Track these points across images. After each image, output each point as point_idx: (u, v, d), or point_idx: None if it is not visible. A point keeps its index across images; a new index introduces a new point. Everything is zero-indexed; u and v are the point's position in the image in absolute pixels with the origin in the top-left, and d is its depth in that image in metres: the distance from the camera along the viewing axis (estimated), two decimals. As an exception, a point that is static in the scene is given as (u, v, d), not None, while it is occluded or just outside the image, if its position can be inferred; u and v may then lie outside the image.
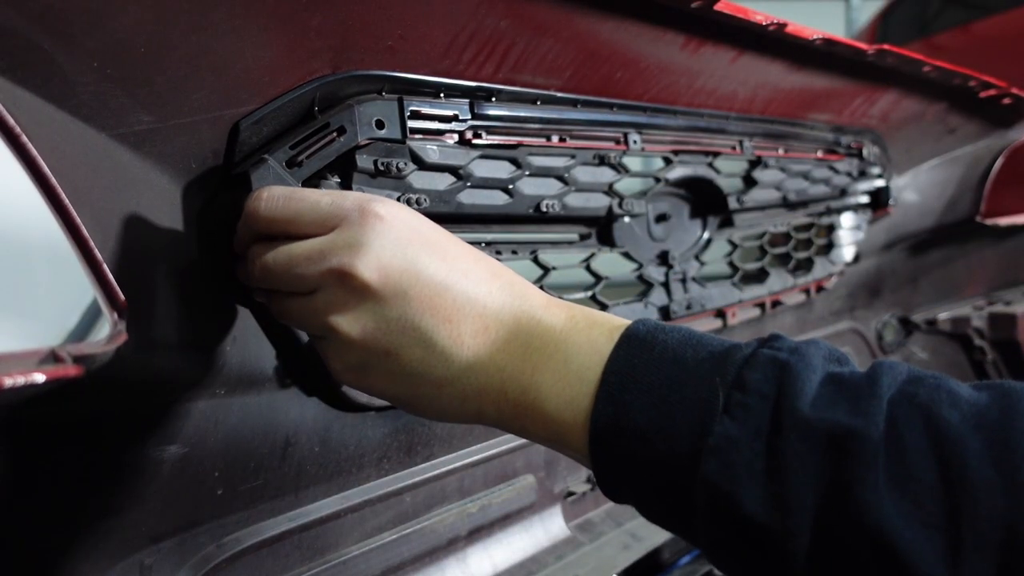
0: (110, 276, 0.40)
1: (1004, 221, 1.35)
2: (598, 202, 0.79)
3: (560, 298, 0.51)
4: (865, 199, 1.19)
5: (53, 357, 0.33)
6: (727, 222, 0.99)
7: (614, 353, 0.40)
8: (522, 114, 0.69)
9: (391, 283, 0.41)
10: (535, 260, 0.77)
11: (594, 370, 0.40)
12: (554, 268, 0.78)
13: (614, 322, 0.43)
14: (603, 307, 0.82)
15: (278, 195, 0.44)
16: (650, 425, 0.38)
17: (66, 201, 0.39)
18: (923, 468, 0.34)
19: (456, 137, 0.65)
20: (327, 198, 0.43)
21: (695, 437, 0.37)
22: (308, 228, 0.43)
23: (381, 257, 0.41)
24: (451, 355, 0.41)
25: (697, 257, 0.94)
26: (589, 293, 0.82)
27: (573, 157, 0.75)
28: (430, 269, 0.41)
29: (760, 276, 1.04)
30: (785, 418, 0.36)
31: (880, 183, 1.19)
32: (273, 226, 0.44)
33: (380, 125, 0.58)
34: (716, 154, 0.91)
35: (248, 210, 0.45)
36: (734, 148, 0.94)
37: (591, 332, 0.41)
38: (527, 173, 0.71)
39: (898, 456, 0.34)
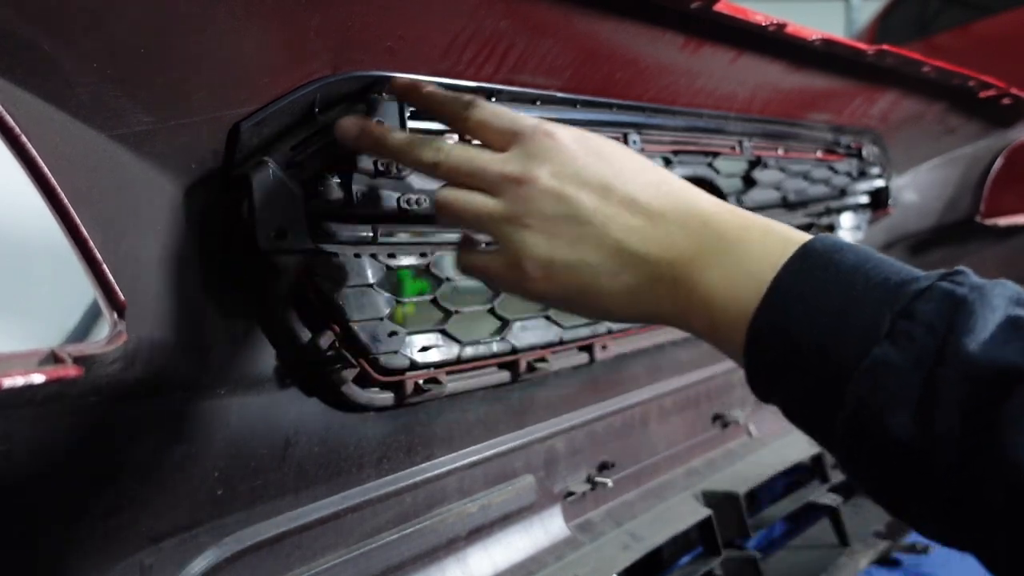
0: (110, 276, 0.41)
1: (1004, 221, 1.35)
2: (598, 202, 0.79)
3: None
4: (865, 199, 1.19)
5: (53, 357, 0.33)
6: (727, 222, 0.98)
7: (788, 264, 0.41)
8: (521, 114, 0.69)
9: (566, 186, 0.46)
10: (535, 260, 0.77)
11: (765, 274, 0.41)
12: (554, 268, 0.78)
13: (789, 233, 0.43)
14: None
15: (481, 103, 0.51)
16: (808, 339, 0.39)
17: (66, 201, 0.39)
18: None
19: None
20: (508, 116, 0.50)
21: (852, 356, 0.37)
22: (491, 136, 0.49)
23: (556, 165, 0.46)
24: (623, 246, 0.44)
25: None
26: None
27: (573, 157, 0.75)
28: (598, 174, 0.46)
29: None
30: (949, 355, 0.35)
31: (880, 183, 1.19)
32: (465, 129, 0.51)
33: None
34: (716, 154, 0.91)
35: (464, 109, 0.51)
36: (733, 148, 0.93)
37: (765, 239, 0.43)
38: (527, 173, 0.71)
39: None
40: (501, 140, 0.49)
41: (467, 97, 0.51)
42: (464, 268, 0.53)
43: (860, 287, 0.39)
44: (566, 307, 0.49)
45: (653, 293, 0.45)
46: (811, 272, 0.40)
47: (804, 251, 0.41)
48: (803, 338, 0.39)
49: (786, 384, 0.41)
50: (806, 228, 1.11)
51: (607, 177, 0.46)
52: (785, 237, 0.43)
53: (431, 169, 0.50)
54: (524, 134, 0.48)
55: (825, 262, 0.40)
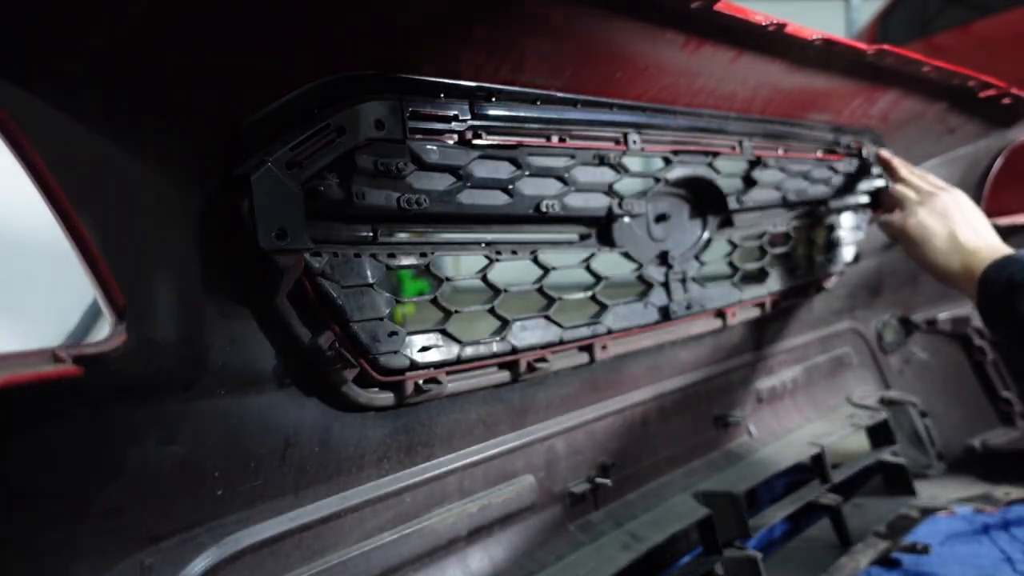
0: (110, 276, 0.41)
1: (1004, 221, 1.35)
2: (598, 202, 0.79)
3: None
4: (865, 199, 1.19)
5: (53, 357, 0.33)
6: (727, 222, 0.99)
7: (1013, 254, 0.88)
8: (522, 114, 0.69)
9: (949, 204, 0.98)
10: (535, 260, 0.77)
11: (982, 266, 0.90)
12: (554, 268, 0.78)
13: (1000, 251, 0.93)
14: (603, 307, 0.82)
15: (916, 172, 1.08)
16: (1008, 271, 0.84)
17: (66, 201, 0.39)
18: None
19: (456, 137, 0.65)
20: (939, 180, 1.05)
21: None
22: (928, 182, 1.04)
23: (950, 196, 1.00)
24: (956, 234, 0.95)
25: (697, 257, 0.94)
26: (589, 293, 0.82)
27: (573, 157, 0.75)
28: (966, 210, 0.99)
29: (760, 276, 1.04)
30: None
31: (880, 183, 1.19)
32: (914, 176, 1.07)
33: (380, 125, 0.58)
34: (716, 154, 0.91)
35: (912, 171, 1.08)
36: (734, 148, 0.94)
37: (1018, 252, 0.88)
38: (527, 173, 0.71)
39: None
40: (929, 184, 1.03)
41: (920, 171, 1.09)
42: (881, 222, 1.04)
43: None
44: (912, 247, 0.99)
45: (954, 258, 0.94)
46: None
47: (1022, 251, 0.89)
48: (1007, 270, 0.84)
49: (996, 296, 0.84)
50: (807, 227, 1.11)
51: (968, 212, 0.98)
52: None
53: (901, 180, 1.06)
54: (940, 183, 1.03)
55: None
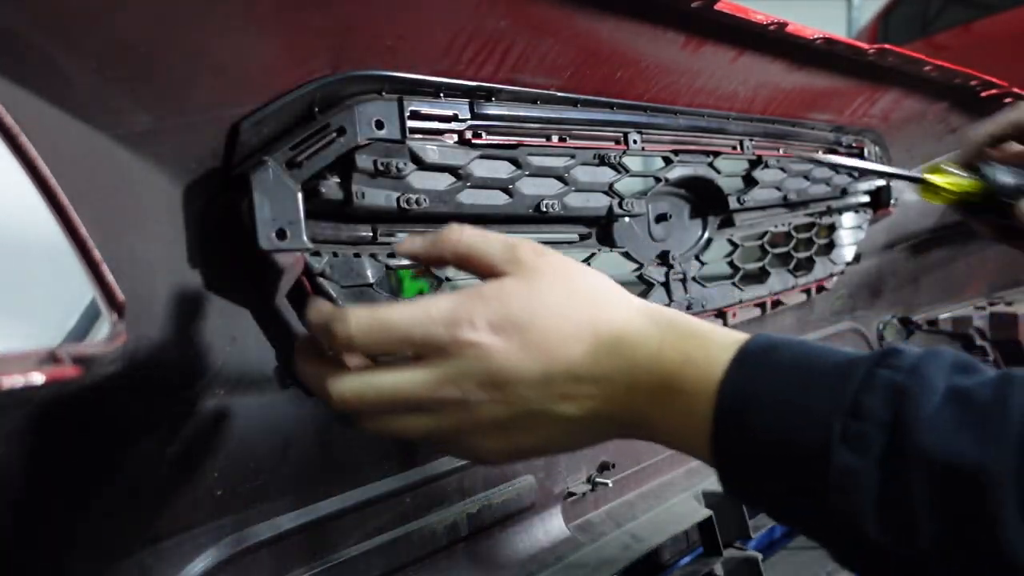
0: (109, 276, 0.40)
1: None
2: (598, 202, 0.79)
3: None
4: (866, 198, 1.18)
5: (52, 358, 0.33)
6: (727, 222, 0.98)
7: (724, 382, 0.41)
8: (522, 114, 0.69)
9: (496, 391, 0.45)
10: (535, 260, 0.76)
11: (702, 400, 0.41)
12: (554, 268, 0.78)
13: (710, 337, 0.44)
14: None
15: (366, 325, 0.44)
16: (772, 457, 0.39)
17: (65, 201, 0.39)
18: None
19: (456, 137, 0.65)
20: (418, 329, 0.44)
21: (816, 470, 0.37)
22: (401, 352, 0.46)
23: (483, 376, 0.44)
24: (561, 415, 0.45)
25: (697, 257, 0.94)
26: (589, 293, 0.82)
27: (573, 157, 0.75)
28: (523, 367, 0.44)
29: (761, 276, 1.04)
30: (906, 449, 0.35)
31: (881, 182, 1.18)
32: (365, 350, 0.46)
33: (380, 125, 0.58)
34: (716, 154, 0.91)
35: (335, 333, 0.45)
36: (734, 148, 0.93)
37: (688, 351, 0.43)
38: (527, 173, 0.71)
39: None
40: (415, 352, 0.47)
41: (347, 318, 0.46)
42: None
43: (804, 385, 0.39)
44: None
45: (602, 432, 0.47)
46: (751, 382, 0.41)
47: (738, 361, 0.41)
48: (766, 451, 0.40)
49: (771, 500, 0.42)
50: (807, 227, 1.11)
51: (528, 363, 0.46)
52: (707, 343, 0.44)
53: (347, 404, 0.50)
54: (444, 349, 0.46)
55: (763, 364, 0.41)
